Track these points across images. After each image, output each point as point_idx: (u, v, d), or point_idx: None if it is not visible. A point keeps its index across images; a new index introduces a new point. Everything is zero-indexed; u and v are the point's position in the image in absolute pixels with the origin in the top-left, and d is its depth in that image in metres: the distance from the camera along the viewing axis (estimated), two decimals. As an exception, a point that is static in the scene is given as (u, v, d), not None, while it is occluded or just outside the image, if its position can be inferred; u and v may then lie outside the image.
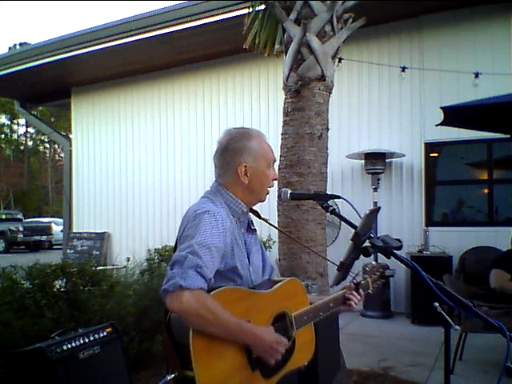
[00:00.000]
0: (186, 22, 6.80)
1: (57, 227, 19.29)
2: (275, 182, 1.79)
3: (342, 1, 3.59)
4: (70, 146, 10.13)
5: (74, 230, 9.84)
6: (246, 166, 1.64)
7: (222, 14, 6.51)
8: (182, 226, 1.57)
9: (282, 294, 1.66)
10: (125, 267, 4.79)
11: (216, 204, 1.62)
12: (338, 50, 3.58)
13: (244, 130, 1.73)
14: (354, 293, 1.85)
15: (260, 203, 1.77)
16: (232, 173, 1.66)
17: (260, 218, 1.86)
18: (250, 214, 1.79)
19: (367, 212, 1.60)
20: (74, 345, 2.48)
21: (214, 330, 1.37)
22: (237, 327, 1.41)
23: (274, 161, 1.74)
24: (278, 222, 3.46)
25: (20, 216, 22.26)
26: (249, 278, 1.63)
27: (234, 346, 1.44)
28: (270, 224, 2.04)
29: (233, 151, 1.65)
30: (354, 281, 1.89)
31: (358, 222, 1.60)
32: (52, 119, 31.81)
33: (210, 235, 1.47)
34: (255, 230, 1.78)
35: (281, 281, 1.70)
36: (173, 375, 1.39)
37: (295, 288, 1.74)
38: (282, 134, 3.55)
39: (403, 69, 6.36)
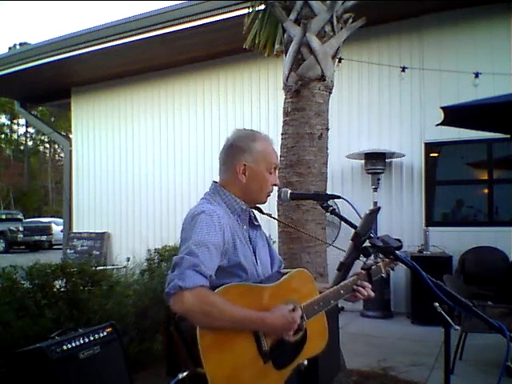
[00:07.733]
0: (186, 21, 6.80)
1: (57, 227, 19.24)
2: (275, 187, 1.78)
3: (342, 1, 3.59)
4: (70, 145, 10.13)
5: (74, 230, 9.85)
6: (245, 165, 1.66)
7: (222, 13, 6.51)
8: (182, 229, 1.58)
9: (288, 286, 1.65)
10: (125, 267, 4.78)
11: (213, 204, 1.63)
12: (338, 50, 3.58)
13: (252, 131, 1.75)
14: (365, 283, 1.77)
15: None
16: (232, 170, 1.68)
17: (262, 213, 1.85)
18: (253, 209, 1.78)
19: (367, 212, 1.61)
20: (73, 345, 2.47)
21: (221, 323, 1.37)
22: (243, 317, 1.41)
23: (276, 167, 1.73)
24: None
25: (20, 216, 22.26)
26: (255, 273, 1.62)
27: (243, 339, 1.44)
28: (273, 218, 2.01)
29: (236, 149, 1.68)
30: (365, 265, 1.81)
31: (358, 222, 1.61)
32: (52, 119, 31.73)
33: (206, 234, 1.48)
34: (259, 225, 1.77)
35: (288, 273, 1.69)
36: (185, 373, 1.37)
37: (302, 278, 1.72)
38: (282, 134, 3.55)
39: (403, 69, 6.36)
